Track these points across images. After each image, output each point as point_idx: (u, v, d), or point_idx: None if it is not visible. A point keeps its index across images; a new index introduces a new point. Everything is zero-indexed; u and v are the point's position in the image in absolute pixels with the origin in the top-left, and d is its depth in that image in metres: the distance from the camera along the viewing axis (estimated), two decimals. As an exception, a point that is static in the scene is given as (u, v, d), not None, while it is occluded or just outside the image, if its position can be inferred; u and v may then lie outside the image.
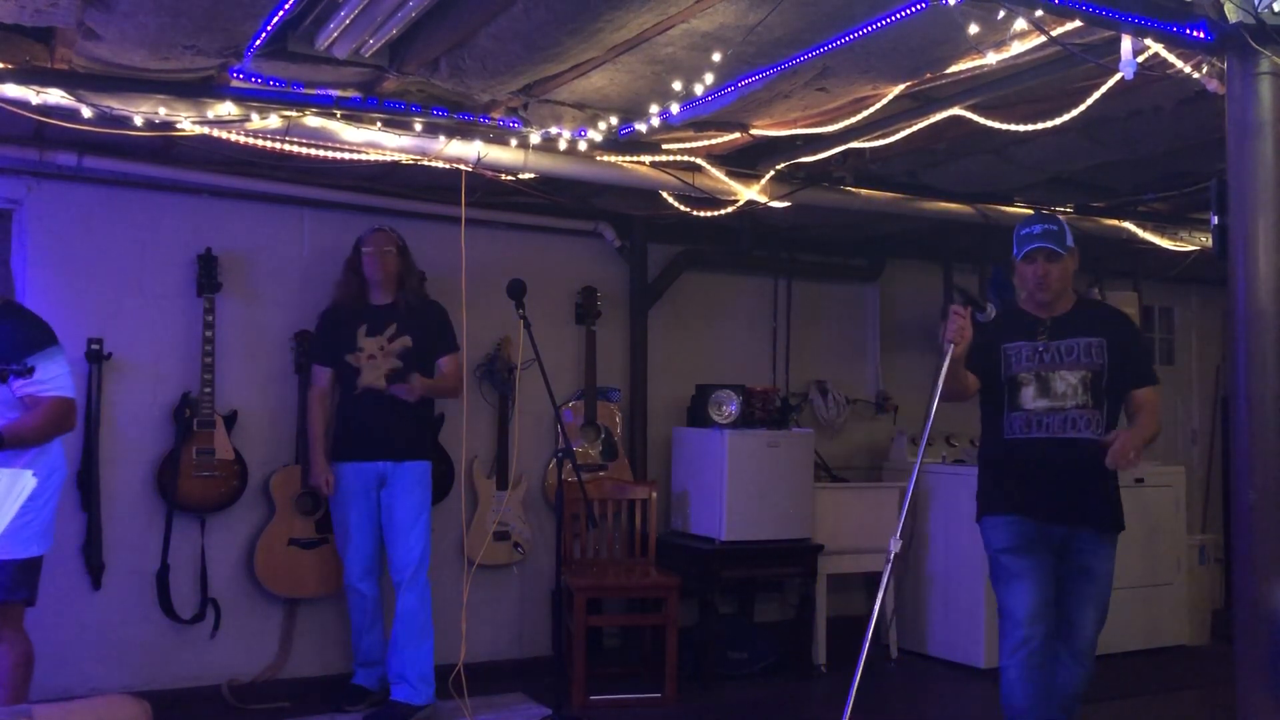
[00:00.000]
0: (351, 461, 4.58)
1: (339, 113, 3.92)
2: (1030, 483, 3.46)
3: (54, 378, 3.53)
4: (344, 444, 4.61)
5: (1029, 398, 3.48)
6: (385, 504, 4.60)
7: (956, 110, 3.84)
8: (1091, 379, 3.45)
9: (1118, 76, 3.23)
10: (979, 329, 3.54)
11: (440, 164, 4.29)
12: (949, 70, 3.51)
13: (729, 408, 5.42)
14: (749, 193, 4.74)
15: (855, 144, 4.26)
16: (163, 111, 3.70)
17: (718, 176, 4.68)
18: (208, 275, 4.71)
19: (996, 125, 3.89)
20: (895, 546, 2.99)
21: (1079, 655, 3.54)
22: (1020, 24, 3.04)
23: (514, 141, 4.23)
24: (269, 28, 3.16)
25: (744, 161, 4.67)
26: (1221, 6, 2.88)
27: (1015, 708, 3.39)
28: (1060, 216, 3.54)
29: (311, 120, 3.94)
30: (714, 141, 4.32)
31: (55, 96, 3.54)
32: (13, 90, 3.47)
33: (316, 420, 4.65)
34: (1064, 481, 3.42)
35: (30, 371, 3.42)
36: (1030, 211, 5.40)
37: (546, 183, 4.78)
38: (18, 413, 3.49)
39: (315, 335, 4.78)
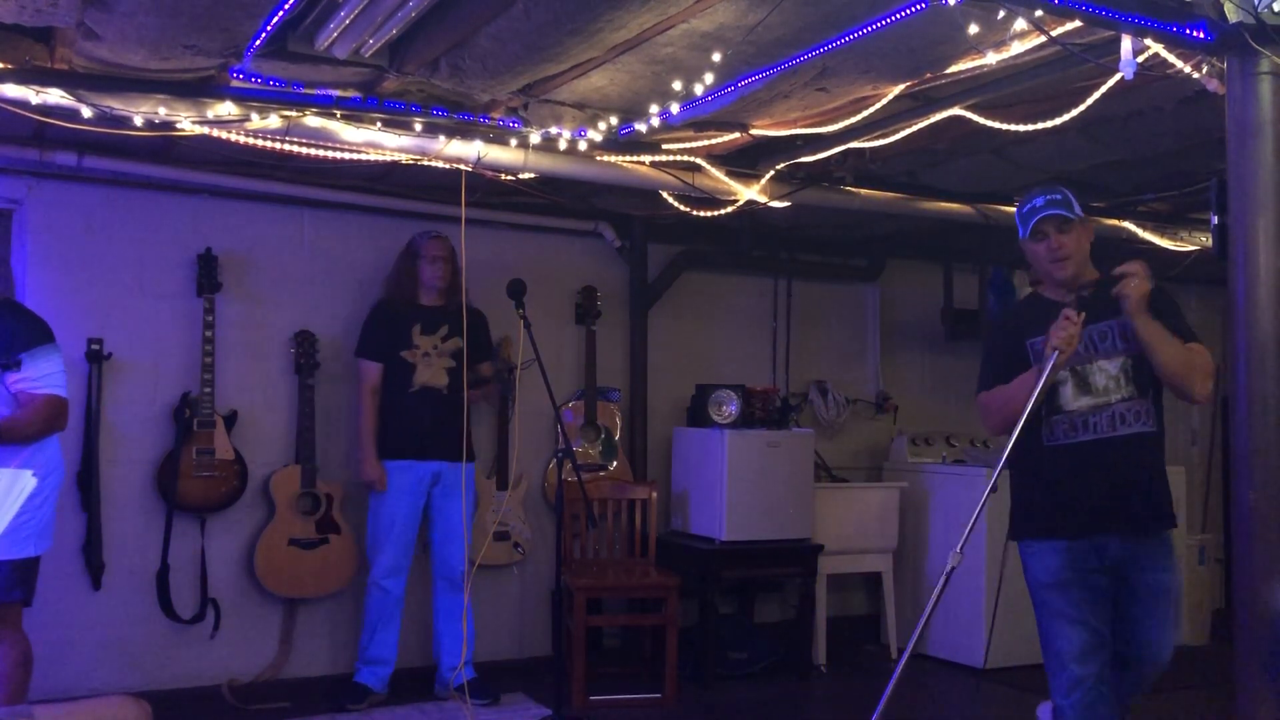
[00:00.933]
0: (407, 460, 4.62)
1: (339, 113, 3.93)
2: (1079, 496, 3.08)
3: (46, 375, 3.53)
4: (399, 442, 4.63)
5: (1068, 398, 3.09)
6: (437, 503, 4.69)
7: (956, 110, 3.84)
8: (1133, 365, 3.05)
9: (1118, 76, 3.23)
10: (1001, 332, 3.27)
11: (440, 164, 4.29)
12: (949, 70, 3.51)
13: (729, 408, 5.42)
14: (749, 193, 4.74)
15: (855, 144, 4.26)
16: (163, 111, 3.70)
17: (718, 176, 4.68)
18: (208, 275, 4.71)
19: (996, 125, 3.89)
20: (954, 560, 2.74)
21: (1149, 678, 3.18)
22: (1020, 24, 3.04)
23: (514, 141, 4.23)
24: (269, 28, 3.16)
25: (744, 161, 4.67)
26: (1221, 6, 2.88)
27: None
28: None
29: (311, 120, 3.94)
30: (714, 141, 4.32)
31: (55, 96, 3.54)
32: (13, 90, 3.47)
33: (370, 416, 4.68)
34: (1118, 486, 3.05)
35: (18, 365, 3.44)
36: (1004, 210, 5.35)
37: (546, 183, 4.78)
38: (10, 409, 3.50)
39: (367, 331, 4.79)
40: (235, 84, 3.66)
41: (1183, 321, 3.09)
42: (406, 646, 5.02)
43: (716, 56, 3.33)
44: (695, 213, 4.98)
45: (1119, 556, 3.06)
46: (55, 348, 3.61)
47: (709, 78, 3.47)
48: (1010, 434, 2.95)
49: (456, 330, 4.73)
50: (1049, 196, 3.10)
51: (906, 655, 2.72)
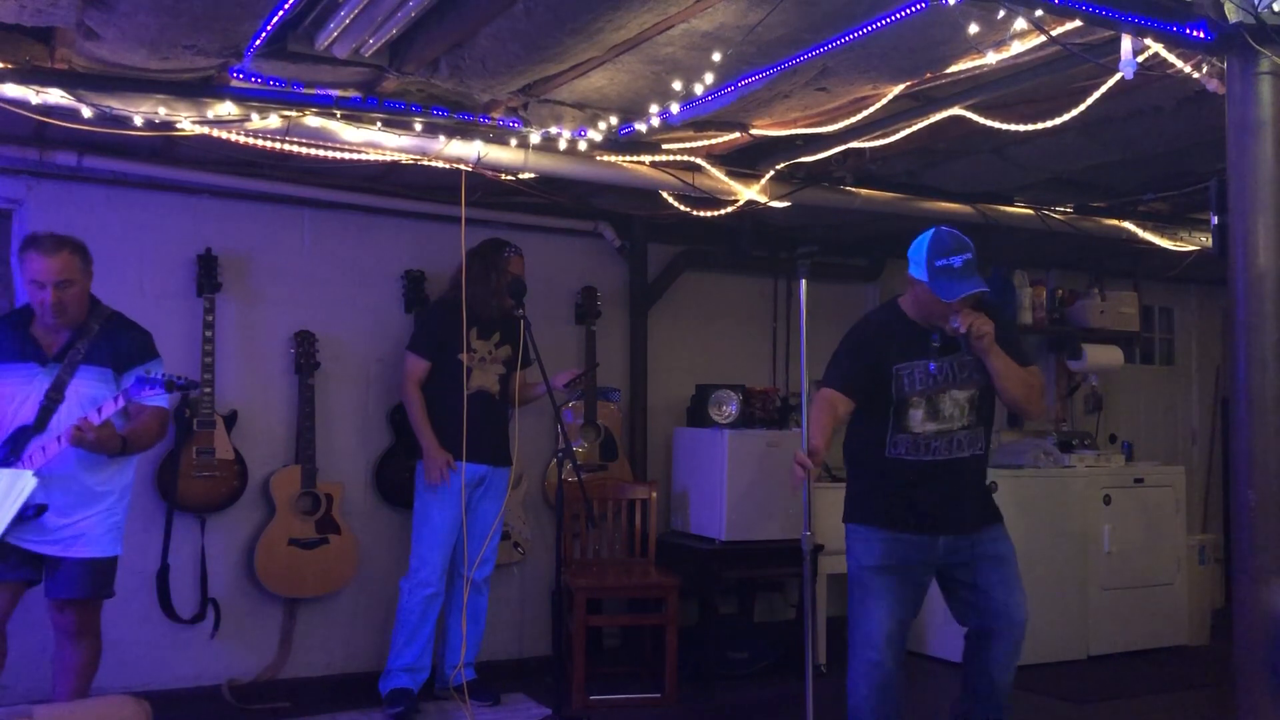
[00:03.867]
0: (458, 460, 4.57)
1: (339, 113, 3.92)
2: (913, 503, 3.41)
3: None
4: (451, 443, 4.56)
5: (917, 420, 3.41)
6: (475, 504, 4.68)
7: (956, 110, 3.84)
8: (979, 396, 3.42)
9: (1118, 76, 3.24)
10: (865, 345, 3.51)
11: (440, 164, 4.29)
12: (949, 70, 3.51)
13: (729, 408, 5.42)
14: (749, 193, 4.74)
15: (855, 144, 4.26)
16: (163, 111, 3.70)
17: (718, 176, 4.68)
18: (208, 275, 4.71)
19: (996, 125, 3.89)
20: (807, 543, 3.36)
21: (1019, 642, 3.44)
22: (1020, 24, 3.04)
23: (514, 141, 4.23)
24: (269, 27, 3.16)
25: (744, 161, 4.67)
26: (1221, 6, 2.88)
27: None
28: (967, 235, 3.43)
29: (311, 120, 3.94)
30: (714, 141, 4.32)
31: (55, 96, 3.54)
32: (13, 90, 3.47)
33: (422, 407, 4.64)
34: (947, 497, 3.40)
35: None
36: (1029, 211, 5.39)
37: (546, 183, 4.78)
38: (119, 420, 3.57)
39: (427, 328, 4.75)
40: (235, 84, 3.66)
41: (1022, 349, 3.50)
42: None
43: (716, 56, 3.33)
44: (695, 213, 4.98)
45: (947, 549, 3.41)
46: (161, 359, 3.76)
47: (709, 77, 3.47)
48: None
49: (507, 337, 4.73)
50: (965, 258, 3.31)
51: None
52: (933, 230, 3.42)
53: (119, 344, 3.65)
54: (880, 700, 3.40)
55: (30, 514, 3.37)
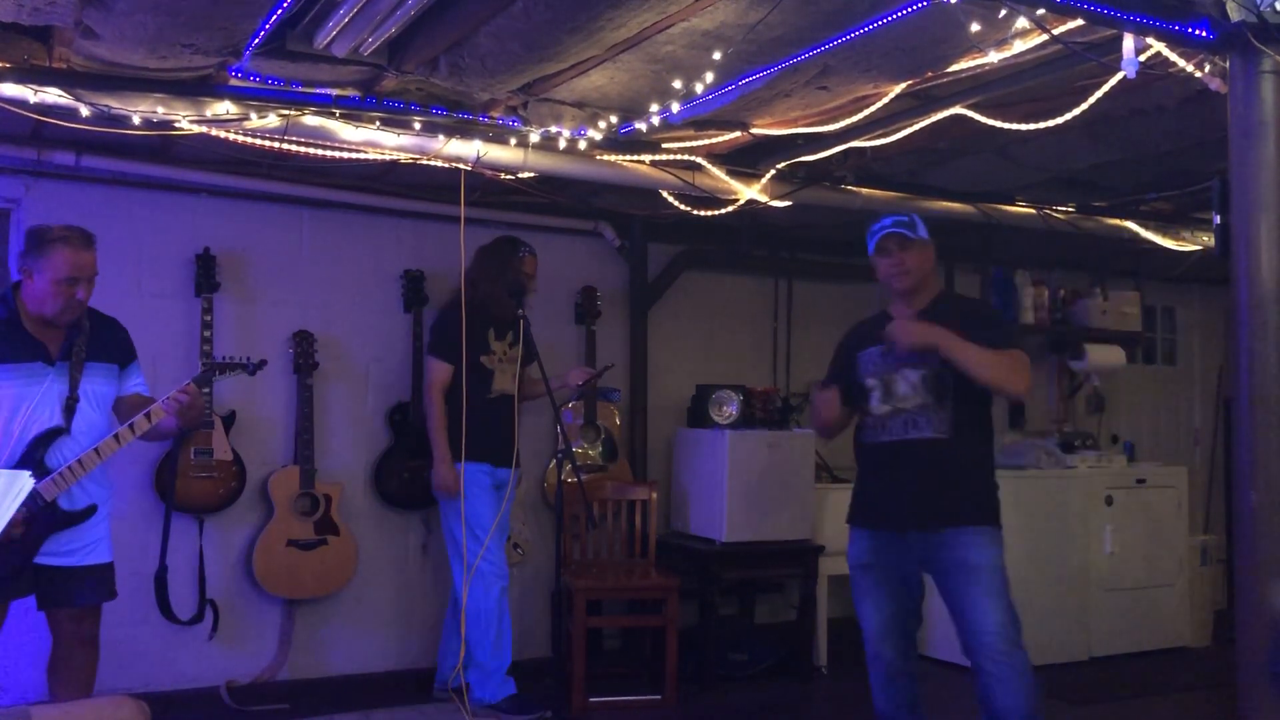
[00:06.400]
0: (487, 463, 4.55)
1: (338, 112, 3.92)
2: (880, 491, 3.45)
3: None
4: (482, 446, 4.52)
5: (876, 402, 3.44)
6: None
7: (958, 109, 3.83)
8: (934, 376, 3.32)
9: (1120, 75, 3.23)
10: (849, 334, 3.68)
11: (439, 163, 4.28)
12: (950, 69, 3.51)
13: (729, 408, 5.41)
14: (749, 192, 4.73)
15: (856, 143, 4.25)
16: (161, 111, 3.69)
17: (718, 176, 4.66)
18: (206, 275, 4.70)
19: (998, 124, 3.88)
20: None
21: (996, 657, 3.20)
22: (1022, 22, 3.04)
23: (513, 140, 4.22)
24: (267, 26, 3.15)
25: (744, 160, 4.66)
26: (1224, 5, 2.87)
27: (879, 711, 3.56)
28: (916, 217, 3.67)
29: (310, 119, 3.93)
30: (714, 140, 4.31)
31: (53, 95, 3.54)
32: (11, 89, 3.47)
33: (442, 417, 4.57)
34: (911, 484, 3.34)
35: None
36: (1030, 210, 5.39)
37: (546, 182, 4.77)
38: (106, 415, 3.54)
39: (449, 331, 4.65)
40: (234, 83, 3.65)
41: (1000, 331, 3.44)
42: (407, 648, 5.02)
43: (717, 55, 3.32)
44: (695, 212, 4.97)
45: (923, 543, 3.34)
46: None
47: (709, 76, 3.46)
48: (824, 435, 3.71)
49: (517, 336, 4.70)
50: (895, 218, 3.53)
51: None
52: None
53: (116, 339, 3.63)
54: (889, 690, 3.50)
55: (79, 516, 3.39)
